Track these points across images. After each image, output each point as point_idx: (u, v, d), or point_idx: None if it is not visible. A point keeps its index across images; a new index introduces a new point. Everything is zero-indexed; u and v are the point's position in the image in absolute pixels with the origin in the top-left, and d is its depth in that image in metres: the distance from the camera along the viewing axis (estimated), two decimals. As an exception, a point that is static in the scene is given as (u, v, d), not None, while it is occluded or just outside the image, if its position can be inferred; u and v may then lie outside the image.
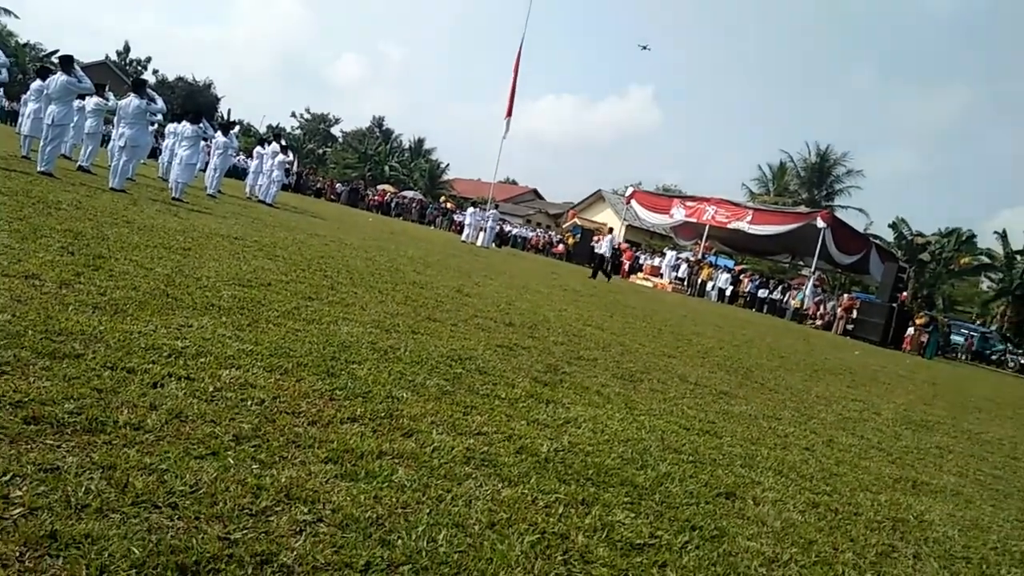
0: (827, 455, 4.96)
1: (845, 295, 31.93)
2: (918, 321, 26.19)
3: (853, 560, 3.07)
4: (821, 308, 29.56)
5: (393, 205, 44.92)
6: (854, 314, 27.07)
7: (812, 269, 33.33)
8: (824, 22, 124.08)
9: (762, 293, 32.29)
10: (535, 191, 69.22)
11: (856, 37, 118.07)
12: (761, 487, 3.77)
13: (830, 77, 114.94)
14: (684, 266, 34.64)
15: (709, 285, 33.33)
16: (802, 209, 38.19)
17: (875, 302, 26.73)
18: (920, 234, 46.29)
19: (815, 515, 3.54)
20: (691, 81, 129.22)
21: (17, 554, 1.75)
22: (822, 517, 3.54)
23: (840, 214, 41.89)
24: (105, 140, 17.60)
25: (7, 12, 54.99)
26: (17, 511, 1.91)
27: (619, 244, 39.14)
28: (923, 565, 3.24)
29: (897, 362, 17.21)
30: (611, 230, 26.74)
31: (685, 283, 33.71)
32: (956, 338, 33.69)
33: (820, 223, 30.63)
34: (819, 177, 52.34)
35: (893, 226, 47.20)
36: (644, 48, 75.39)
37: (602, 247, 24.81)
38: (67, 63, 12.58)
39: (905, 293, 27.85)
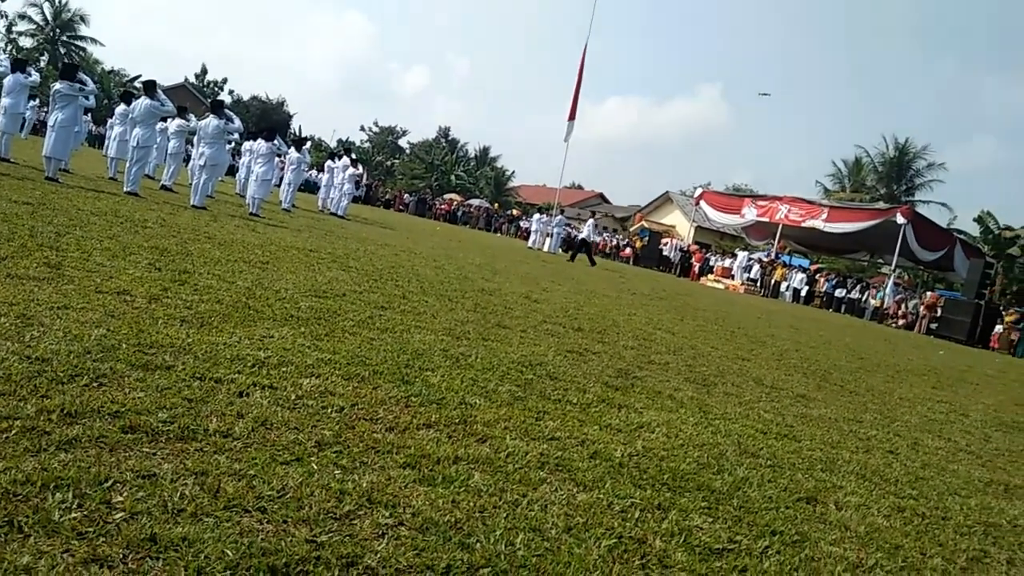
0: (912, 458, 4.79)
1: (928, 293, 30.69)
2: (1008, 318, 24.94)
3: (942, 566, 2.96)
4: (903, 307, 28.49)
5: (460, 214, 45.40)
6: (938, 312, 26.00)
7: (892, 267, 32.15)
8: (897, 10, 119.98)
9: (839, 293, 31.32)
10: (601, 195, 68.86)
11: (934, 23, 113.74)
12: (843, 491, 3.67)
13: (906, 67, 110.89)
14: (757, 267, 33.89)
15: (783, 286, 32.52)
16: (880, 205, 36.91)
17: (960, 299, 25.59)
18: (1009, 228, 43.94)
19: (901, 519, 3.44)
20: (760, 76, 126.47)
21: (120, 556, 1.85)
22: (908, 522, 3.43)
23: (921, 209, 40.26)
24: (186, 159, 18.37)
25: (94, 41, 58.15)
26: (119, 515, 2.01)
27: (689, 245, 38.68)
28: (1017, 571, 3.11)
29: (985, 361, 16.45)
30: (593, 214, 27.09)
31: (758, 284, 32.98)
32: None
33: (900, 219, 29.53)
34: (898, 171, 50.42)
35: (979, 220, 45.04)
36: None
37: (583, 231, 24.97)
38: (150, 88, 13.17)
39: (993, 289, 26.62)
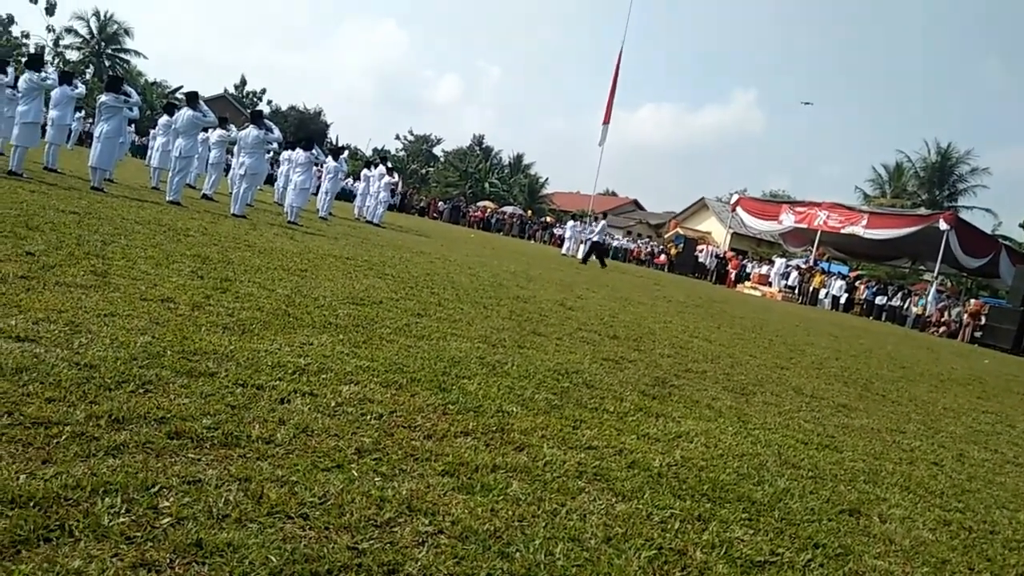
0: (958, 470, 4.68)
1: (972, 300, 29.97)
2: (1057, 327, 24.23)
3: (993, 583, 2.89)
4: (946, 315, 27.85)
5: (494, 221, 45.50)
6: (982, 320, 25.37)
7: (935, 274, 31.50)
8: (938, 10, 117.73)
9: (880, 300, 30.71)
10: (635, 202, 68.46)
11: (976, 24, 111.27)
12: (887, 504, 3.60)
13: (946, 72, 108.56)
14: (794, 274, 33.43)
15: (822, 293, 32.02)
16: (922, 211, 36.21)
17: (1006, 307, 24.96)
18: (1056, 233, 42.95)
19: (947, 533, 3.36)
20: (796, 82, 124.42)
21: (168, 561, 1.88)
22: (955, 535, 3.35)
23: (965, 215, 39.43)
24: (226, 169, 18.70)
25: (137, 54, 59.57)
26: (166, 520, 2.05)
27: (725, 252, 38.28)
28: (1073, 591, 3.02)
29: (1034, 371, 16.01)
30: (604, 215, 26.57)
31: (796, 291, 32.53)
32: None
33: (943, 225, 28.91)
34: (940, 177, 49.40)
35: (1024, 225, 44.07)
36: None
37: (594, 233, 24.60)
38: (193, 99, 13.43)
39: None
